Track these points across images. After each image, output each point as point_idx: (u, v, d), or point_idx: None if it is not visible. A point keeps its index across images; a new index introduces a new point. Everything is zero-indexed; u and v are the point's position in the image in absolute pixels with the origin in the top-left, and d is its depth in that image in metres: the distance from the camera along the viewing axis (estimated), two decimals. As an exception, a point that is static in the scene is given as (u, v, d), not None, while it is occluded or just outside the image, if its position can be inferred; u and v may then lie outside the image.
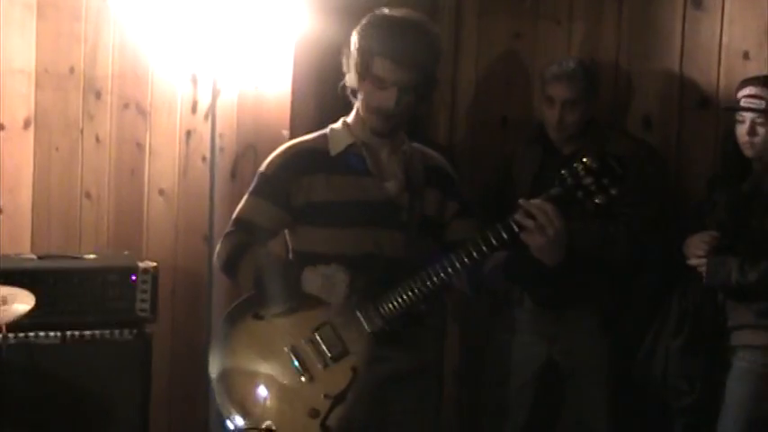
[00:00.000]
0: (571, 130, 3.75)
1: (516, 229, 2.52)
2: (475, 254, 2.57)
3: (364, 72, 2.72)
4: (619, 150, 3.63)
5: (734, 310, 3.43)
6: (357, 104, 2.82)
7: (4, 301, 2.99)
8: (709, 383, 3.46)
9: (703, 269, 3.40)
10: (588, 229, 3.58)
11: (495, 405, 3.96)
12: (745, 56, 3.78)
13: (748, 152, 3.43)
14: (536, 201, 2.52)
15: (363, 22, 2.77)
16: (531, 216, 2.50)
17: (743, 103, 3.43)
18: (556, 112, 3.72)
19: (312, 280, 2.67)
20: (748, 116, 3.41)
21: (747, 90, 3.43)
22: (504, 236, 2.54)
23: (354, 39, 2.75)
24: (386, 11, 2.77)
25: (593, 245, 3.64)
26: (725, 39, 3.82)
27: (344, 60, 2.79)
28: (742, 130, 3.43)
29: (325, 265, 2.66)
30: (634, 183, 3.58)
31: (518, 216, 2.52)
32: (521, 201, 2.53)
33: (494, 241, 2.55)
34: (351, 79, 2.78)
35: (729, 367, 3.44)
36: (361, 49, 2.72)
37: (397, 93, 2.70)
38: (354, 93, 2.80)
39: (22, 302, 3.00)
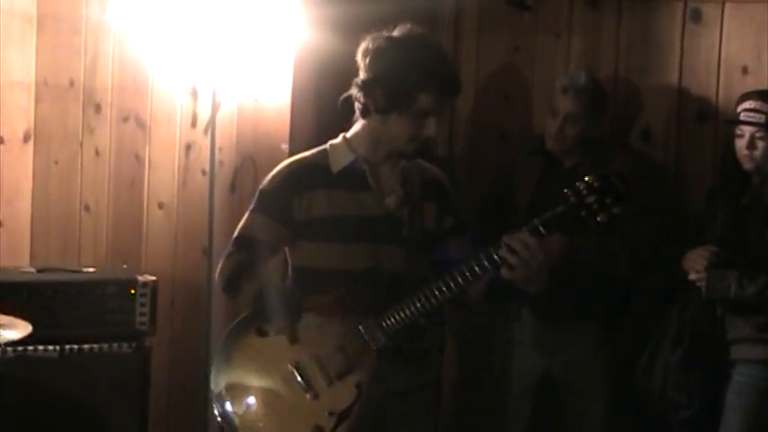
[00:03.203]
0: (569, 144, 3.75)
1: (499, 262, 2.57)
2: (461, 282, 2.61)
3: (405, 107, 2.68)
4: (620, 165, 3.64)
5: (732, 324, 3.43)
6: (374, 127, 2.77)
7: None
8: (707, 397, 3.46)
9: (702, 283, 3.40)
10: (589, 244, 3.58)
11: (495, 417, 3.95)
12: (744, 70, 3.79)
13: (747, 165, 3.44)
14: (519, 235, 2.55)
15: (382, 47, 2.70)
16: (514, 251, 2.54)
17: (743, 116, 3.43)
18: (557, 123, 3.73)
19: (307, 324, 2.70)
20: (748, 130, 3.42)
21: (747, 104, 3.44)
22: (488, 267, 2.59)
23: (380, 70, 2.69)
24: (397, 33, 2.72)
25: (594, 259, 3.64)
26: (724, 53, 3.83)
27: (362, 91, 2.72)
28: (741, 144, 3.44)
29: (324, 323, 2.68)
30: (634, 197, 3.60)
31: (502, 252, 2.56)
32: (504, 237, 2.57)
33: (478, 271, 2.59)
34: (377, 109, 2.72)
35: (728, 381, 3.44)
36: (400, 85, 2.67)
37: (436, 120, 2.72)
38: (366, 114, 2.76)
39: (15, 330, 2.99)
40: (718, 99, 3.84)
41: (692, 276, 3.42)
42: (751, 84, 3.69)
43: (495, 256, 2.57)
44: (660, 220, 3.75)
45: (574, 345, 3.77)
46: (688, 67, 3.90)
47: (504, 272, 2.57)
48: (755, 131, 3.40)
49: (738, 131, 3.45)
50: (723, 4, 3.83)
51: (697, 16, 3.88)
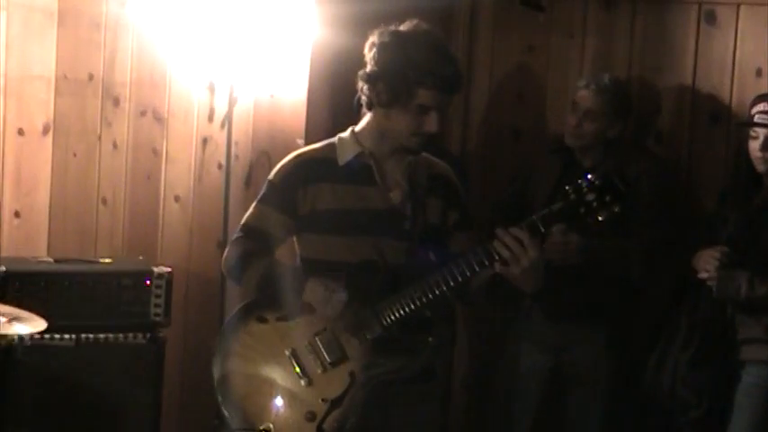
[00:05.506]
0: (587, 141, 3.76)
1: (495, 257, 2.56)
2: (459, 277, 2.61)
3: (406, 102, 2.70)
4: (637, 169, 3.64)
5: (743, 324, 3.43)
6: (378, 121, 2.79)
7: (12, 320, 3.02)
8: (716, 397, 3.47)
9: (713, 283, 3.41)
10: (606, 246, 3.60)
11: (502, 414, 3.98)
12: (758, 72, 3.80)
13: (761, 167, 3.45)
14: (513, 229, 2.55)
15: (386, 42, 2.72)
16: (506, 246, 2.54)
17: (757, 118, 3.45)
18: (576, 117, 3.76)
19: (313, 290, 2.72)
20: (762, 132, 3.43)
21: (761, 106, 3.45)
22: (485, 262, 2.59)
23: (383, 65, 2.71)
24: (403, 29, 2.74)
25: (610, 261, 3.66)
26: (738, 55, 3.84)
27: (366, 84, 2.75)
28: (755, 146, 3.45)
29: (329, 280, 2.70)
30: (650, 200, 3.61)
31: (495, 244, 2.56)
32: (497, 230, 2.56)
33: (475, 266, 2.60)
34: (380, 103, 2.74)
35: (738, 381, 3.45)
36: (400, 80, 2.69)
37: (439, 115, 2.73)
38: (371, 106, 2.79)
39: (29, 325, 3.03)
40: (732, 101, 3.85)
41: (703, 276, 3.43)
42: (765, 86, 3.71)
43: (491, 251, 2.57)
44: (673, 222, 3.76)
45: (582, 345, 3.80)
46: (702, 69, 3.91)
47: (497, 266, 2.57)
48: (769, 134, 3.42)
49: (752, 133, 3.46)
50: (737, 6, 3.84)
51: (711, 18, 3.89)
